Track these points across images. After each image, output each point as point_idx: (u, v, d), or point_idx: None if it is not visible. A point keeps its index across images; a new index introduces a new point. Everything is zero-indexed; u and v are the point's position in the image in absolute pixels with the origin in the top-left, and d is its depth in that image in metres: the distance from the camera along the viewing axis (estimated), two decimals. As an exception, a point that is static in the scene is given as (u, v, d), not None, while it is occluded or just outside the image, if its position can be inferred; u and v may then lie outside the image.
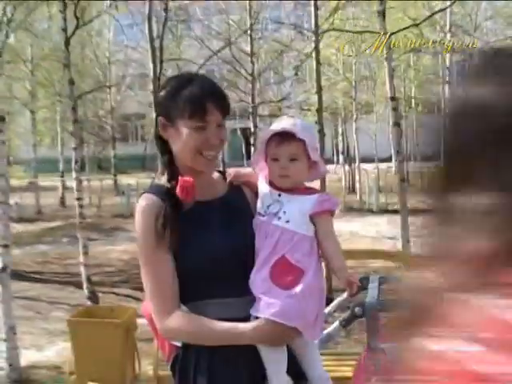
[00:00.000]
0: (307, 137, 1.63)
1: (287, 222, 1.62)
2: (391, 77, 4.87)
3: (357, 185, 15.86)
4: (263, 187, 1.71)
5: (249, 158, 16.26)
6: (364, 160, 17.03)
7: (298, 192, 1.66)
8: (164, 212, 1.57)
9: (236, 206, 1.71)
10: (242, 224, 1.66)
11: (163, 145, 1.67)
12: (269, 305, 1.55)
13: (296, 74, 11.82)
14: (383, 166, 17.17)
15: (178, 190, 1.58)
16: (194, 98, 1.59)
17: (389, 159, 21.11)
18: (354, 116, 15.65)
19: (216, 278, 1.58)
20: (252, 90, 10.51)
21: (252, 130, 10.25)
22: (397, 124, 4.85)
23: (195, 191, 1.59)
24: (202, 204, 1.65)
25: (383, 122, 19.31)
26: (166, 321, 1.57)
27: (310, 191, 1.68)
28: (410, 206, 5.20)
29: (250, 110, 10.69)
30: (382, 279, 2.85)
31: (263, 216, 1.65)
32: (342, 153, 18.41)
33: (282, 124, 1.66)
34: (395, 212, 12.30)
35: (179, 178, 1.60)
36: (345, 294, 2.89)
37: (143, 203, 1.62)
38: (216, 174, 1.77)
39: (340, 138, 18.45)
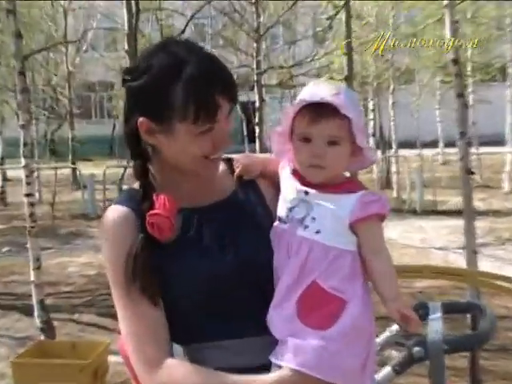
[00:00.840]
0: (354, 112, 1.60)
1: (317, 232, 1.60)
2: (454, 31, 4.73)
3: (393, 177, 15.82)
4: (286, 181, 1.71)
5: (251, 141, 16.27)
6: (403, 145, 17.02)
7: (331, 189, 1.64)
8: (135, 251, 1.58)
9: (247, 210, 1.73)
10: (254, 234, 1.68)
11: (137, 146, 1.67)
12: (296, 350, 1.51)
13: (330, 28, 11.64)
14: (428, 152, 17.10)
15: (148, 228, 1.58)
16: (199, 94, 1.55)
17: (434, 144, 21.13)
18: (391, 87, 15.57)
19: (218, 312, 1.60)
20: (257, 52, 10.46)
21: (257, 104, 10.14)
22: (460, 95, 4.70)
23: (172, 225, 1.59)
24: (198, 211, 1.68)
25: (428, 95, 19.32)
26: (156, 374, 1.54)
27: (349, 187, 1.65)
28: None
29: (254, 77, 10.60)
30: (447, 307, 2.80)
31: (285, 223, 1.64)
32: (374, 135, 18.30)
33: (319, 91, 1.61)
34: (445, 214, 12.60)
35: (153, 201, 1.60)
36: (394, 327, 2.81)
37: (112, 221, 1.64)
38: (221, 166, 1.77)
39: (371, 115, 18.31)
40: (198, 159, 1.63)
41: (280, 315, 1.57)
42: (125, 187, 1.80)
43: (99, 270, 8.53)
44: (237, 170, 1.80)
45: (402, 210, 13.24)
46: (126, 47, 6.49)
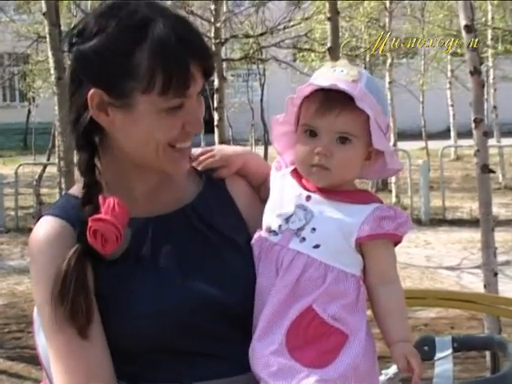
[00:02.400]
0: (374, 105, 1.65)
1: (316, 246, 1.64)
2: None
3: (391, 178, 15.91)
4: (282, 183, 1.74)
5: (209, 131, 16.23)
6: (403, 136, 17.15)
7: (339, 196, 1.68)
8: (65, 268, 1.59)
9: (216, 220, 1.75)
10: (225, 252, 1.71)
11: (84, 132, 1.67)
12: None
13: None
14: (435, 145, 17.24)
15: (88, 235, 1.60)
16: (170, 58, 1.58)
17: (444, 134, 21.31)
18: (388, 61, 15.68)
19: (177, 352, 1.63)
20: (215, 16, 10.45)
21: (215, 83, 10.15)
22: (476, 71, 4.74)
23: (120, 234, 1.60)
24: (154, 221, 1.71)
25: (435, 71, 19.49)
26: None
27: (361, 198, 1.70)
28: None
29: (213, 49, 10.59)
30: (459, 343, 2.85)
31: (275, 234, 1.68)
32: (367, 123, 18.39)
33: (334, 74, 1.66)
34: (457, 224, 12.70)
35: (99, 204, 1.61)
36: (392, 369, 2.85)
37: (42, 237, 1.65)
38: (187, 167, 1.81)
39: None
40: (162, 148, 1.64)
41: (265, 346, 1.60)
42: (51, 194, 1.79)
43: (9, 299, 8.44)
44: (210, 159, 1.81)
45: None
46: (44, 9, 6.44)
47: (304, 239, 1.65)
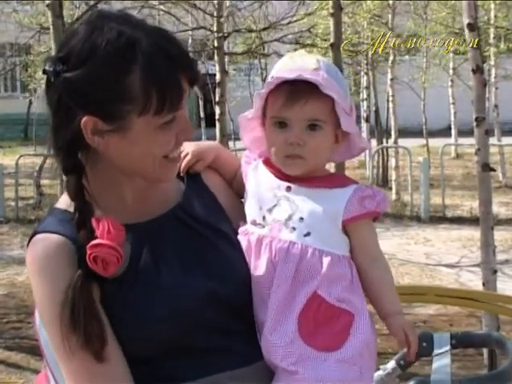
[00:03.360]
0: (337, 90, 1.69)
1: (307, 234, 1.68)
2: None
3: (392, 174, 15.91)
4: (257, 175, 1.77)
5: (210, 125, 16.24)
6: (404, 133, 17.13)
7: (317, 183, 1.73)
8: (73, 293, 1.58)
9: (204, 216, 1.77)
10: (222, 247, 1.73)
11: (73, 156, 1.66)
12: (307, 379, 1.61)
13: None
14: (436, 142, 17.23)
15: (88, 262, 1.59)
16: (162, 77, 1.58)
17: (445, 132, 21.31)
18: (390, 58, 15.65)
19: (189, 350, 1.65)
20: (218, 10, 10.44)
21: (217, 77, 10.15)
22: (479, 69, 4.75)
23: (121, 256, 1.60)
24: (147, 227, 1.72)
25: (437, 68, 19.46)
26: None
27: (337, 181, 1.76)
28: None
29: (215, 43, 10.60)
30: (457, 339, 2.84)
31: (262, 226, 1.71)
32: (367, 120, 18.40)
33: (295, 65, 1.71)
34: (456, 222, 12.69)
35: (93, 227, 1.60)
36: (390, 364, 2.84)
37: (42, 254, 1.64)
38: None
39: (364, 93, 18.40)
40: (158, 161, 1.65)
41: (279, 339, 1.64)
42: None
43: (9, 289, 8.44)
44: (186, 159, 1.83)
45: (403, 217, 13.28)
46: (48, 0, 6.42)
47: (294, 229, 1.68)
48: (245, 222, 1.77)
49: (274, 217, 1.70)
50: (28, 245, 1.71)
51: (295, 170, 1.72)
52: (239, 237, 1.75)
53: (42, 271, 1.64)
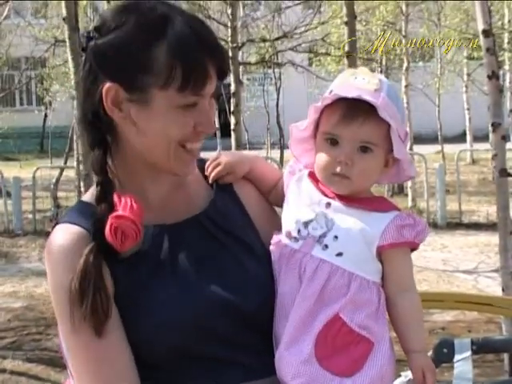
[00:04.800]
0: (395, 115, 1.67)
1: (339, 254, 1.65)
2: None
3: (407, 181, 15.87)
4: (299, 188, 1.75)
5: (225, 135, 16.26)
6: (420, 139, 17.09)
7: (359, 204, 1.70)
8: (83, 266, 1.58)
9: (230, 226, 1.75)
10: (238, 258, 1.71)
11: (100, 132, 1.67)
12: None
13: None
14: (451, 148, 17.20)
15: (106, 233, 1.59)
16: (189, 55, 1.58)
17: (461, 138, 21.24)
18: (404, 64, 15.64)
19: (200, 358, 1.62)
20: (232, 20, 10.45)
21: (232, 87, 10.15)
22: (494, 75, 4.75)
23: (140, 231, 1.60)
24: (169, 229, 1.70)
25: (451, 74, 19.40)
26: None
27: (379, 205, 1.72)
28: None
29: (229, 53, 10.60)
30: (478, 345, 2.87)
31: (296, 240, 1.68)
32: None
33: (356, 84, 1.67)
34: (474, 228, 12.62)
35: (114, 202, 1.61)
36: (406, 377, 2.84)
37: (61, 245, 1.64)
38: (195, 171, 1.80)
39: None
40: (173, 146, 1.64)
41: (293, 356, 1.61)
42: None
43: (28, 301, 8.46)
44: (216, 169, 1.81)
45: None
46: (65, 13, 6.45)
47: (326, 247, 1.65)
48: (276, 234, 1.75)
49: (309, 232, 1.68)
50: (49, 234, 1.70)
51: (340, 189, 1.69)
52: (271, 247, 1.72)
53: (59, 261, 1.63)
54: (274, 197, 1.85)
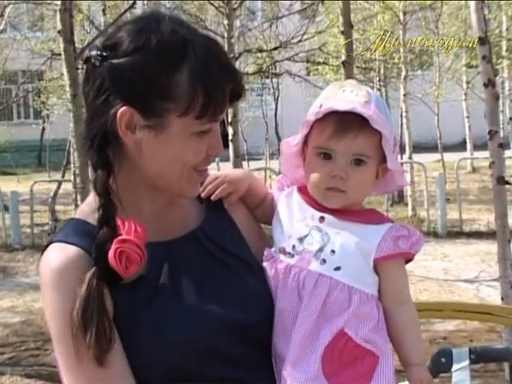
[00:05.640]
0: (385, 125, 1.67)
1: (337, 269, 1.65)
2: None
3: (407, 190, 15.87)
4: (292, 202, 1.75)
5: (224, 145, 16.23)
6: (419, 148, 17.09)
7: (352, 217, 1.69)
8: (85, 295, 1.54)
9: (224, 243, 1.74)
10: (236, 274, 1.70)
11: (104, 152, 1.62)
12: None
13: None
14: (451, 157, 17.20)
15: (110, 258, 1.56)
16: (211, 82, 1.57)
17: (461, 146, 21.25)
18: (403, 73, 15.65)
19: (199, 377, 1.60)
20: (228, 30, 10.48)
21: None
22: (491, 83, 4.74)
23: (144, 256, 1.58)
24: (166, 246, 1.69)
25: (450, 82, 19.44)
26: None
27: (372, 217, 1.72)
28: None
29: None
30: (477, 354, 2.85)
31: (291, 256, 1.68)
32: (381, 136, 18.35)
33: (347, 97, 1.66)
34: (474, 236, 12.62)
35: (116, 226, 1.58)
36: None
37: (58, 266, 1.59)
38: None
39: (377, 110, 18.36)
40: (186, 171, 1.62)
41: (299, 373, 1.60)
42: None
43: (26, 316, 8.45)
44: (221, 188, 1.78)
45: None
46: (60, 26, 6.45)
47: (324, 261, 1.65)
48: (268, 250, 1.74)
49: (305, 247, 1.67)
50: (42, 253, 1.66)
51: (334, 203, 1.68)
52: (265, 264, 1.72)
53: (55, 284, 1.59)
54: (260, 213, 1.85)
